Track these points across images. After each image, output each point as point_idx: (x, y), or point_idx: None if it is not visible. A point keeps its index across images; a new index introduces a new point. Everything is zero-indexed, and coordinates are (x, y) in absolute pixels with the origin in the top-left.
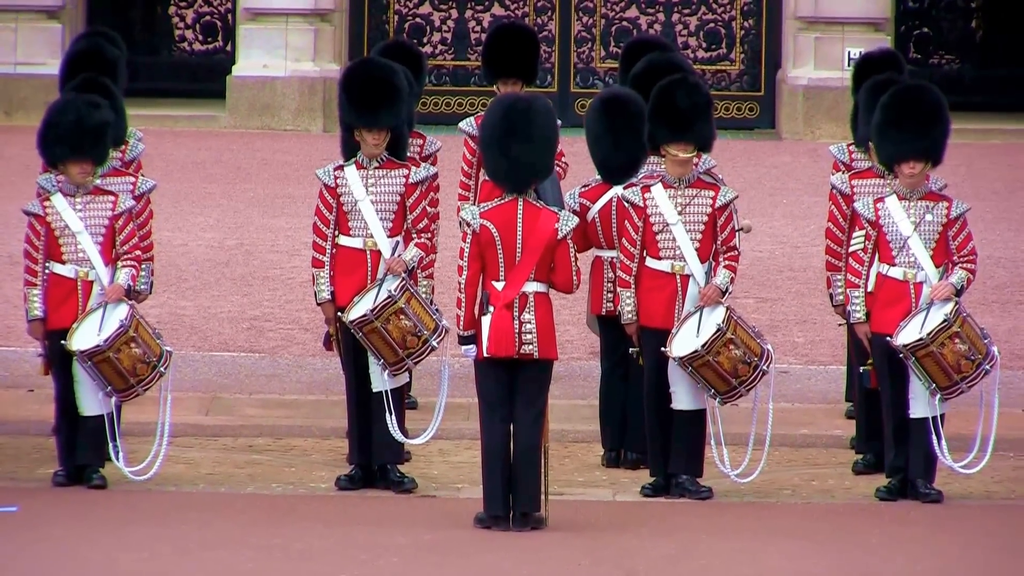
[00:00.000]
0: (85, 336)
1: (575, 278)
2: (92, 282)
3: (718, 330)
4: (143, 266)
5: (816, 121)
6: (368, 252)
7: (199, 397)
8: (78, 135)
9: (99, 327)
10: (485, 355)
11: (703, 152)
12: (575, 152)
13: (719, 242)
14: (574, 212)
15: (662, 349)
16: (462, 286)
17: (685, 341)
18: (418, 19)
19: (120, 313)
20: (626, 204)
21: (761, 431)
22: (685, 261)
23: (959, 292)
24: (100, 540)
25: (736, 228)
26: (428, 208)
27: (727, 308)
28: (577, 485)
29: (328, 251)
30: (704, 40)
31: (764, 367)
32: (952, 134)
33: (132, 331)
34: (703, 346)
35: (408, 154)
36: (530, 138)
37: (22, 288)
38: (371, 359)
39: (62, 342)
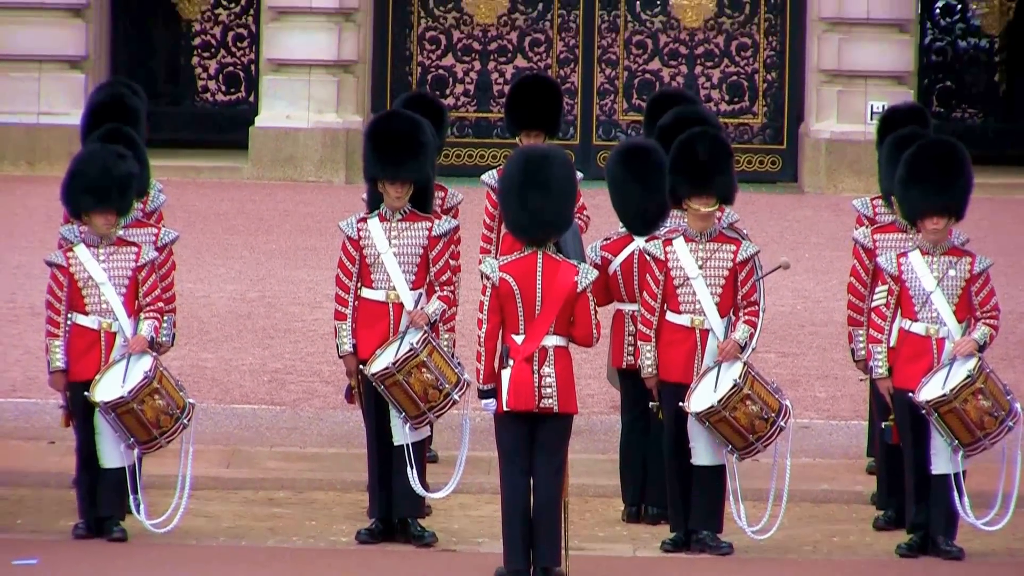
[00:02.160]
0: (108, 387)
1: (595, 331)
2: (115, 333)
3: (735, 386)
4: (165, 318)
5: (839, 175)
6: (391, 305)
7: (220, 450)
8: (104, 186)
9: (123, 378)
10: (505, 409)
11: (725, 205)
12: (597, 205)
13: (739, 297)
14: (595, 265)
15: (680, 404)
16: (481, 339)
17: (703, 396)
18: (441, 71)
19: (144, 364)
20: (647, 257)
21: (780, 486)
22: (705, 315)
23: (982, 348)
24: None
25: (766, 273)
26: (450, 261)
27: (744, 363)
28: (598, 540)
29: (351, 303)
30: (727, 93)
31: (782, 423)
32: (975, 188)
33: (156, 383)
34: (719, 401)
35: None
36: (548, 190)
37: (44, 339)
38: (393, 412)
39: (84, 393)
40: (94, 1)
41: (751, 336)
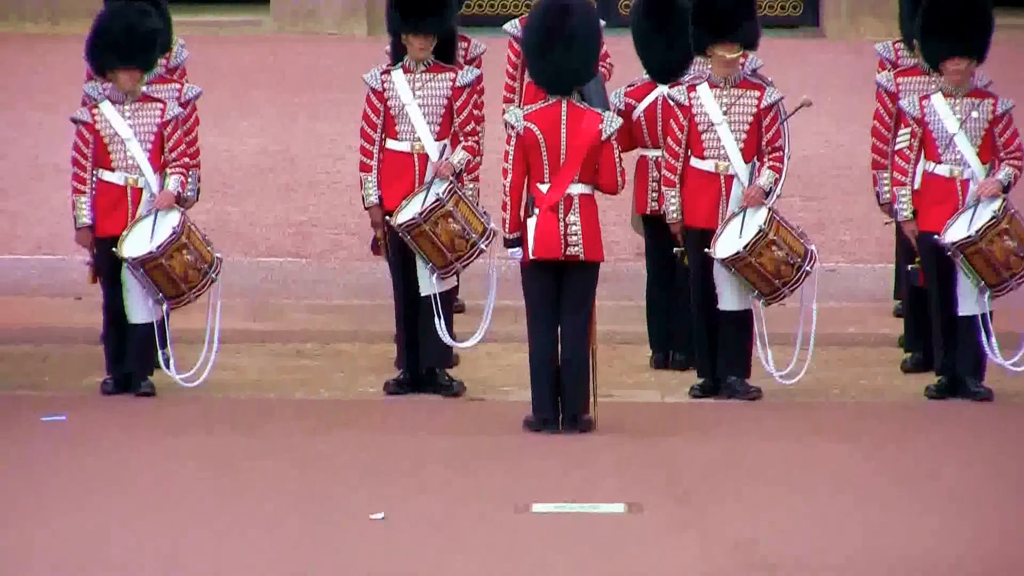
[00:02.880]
0: (137, 243)
1: (620, 179)
2: (141, 189)
3: (760, 231)
4: (190, 173)
5: (860, 18)
6: (416, 156)
7: (246, 303)
8: (128, 43)
9: (151, 234)
10: (531, 257)
11: (749, 51)
12: (619, 53)
13: (764, 143)
14: (619, 112)
15: (706, 250)
16: (507, 189)
17: (728, 242)
18: None
19: (172, 220)
20: (671, 103)
21: (807, 331)
22: (729, 161)
23: (1006, 188)
24: (148, 448)
25: (789, 113)
26: (474, 111)
27: (770, 209)
28: (625, 387)
29: (375, 155)
30: None
31: (808, 267)
32: (996, 30)
33: (184, 238)
34: (745, 247)
35: None
36: (571, 40)
37: (70, 196)
38: (419, 263)
39: (112, 249)
40: None
41: (776, 182)
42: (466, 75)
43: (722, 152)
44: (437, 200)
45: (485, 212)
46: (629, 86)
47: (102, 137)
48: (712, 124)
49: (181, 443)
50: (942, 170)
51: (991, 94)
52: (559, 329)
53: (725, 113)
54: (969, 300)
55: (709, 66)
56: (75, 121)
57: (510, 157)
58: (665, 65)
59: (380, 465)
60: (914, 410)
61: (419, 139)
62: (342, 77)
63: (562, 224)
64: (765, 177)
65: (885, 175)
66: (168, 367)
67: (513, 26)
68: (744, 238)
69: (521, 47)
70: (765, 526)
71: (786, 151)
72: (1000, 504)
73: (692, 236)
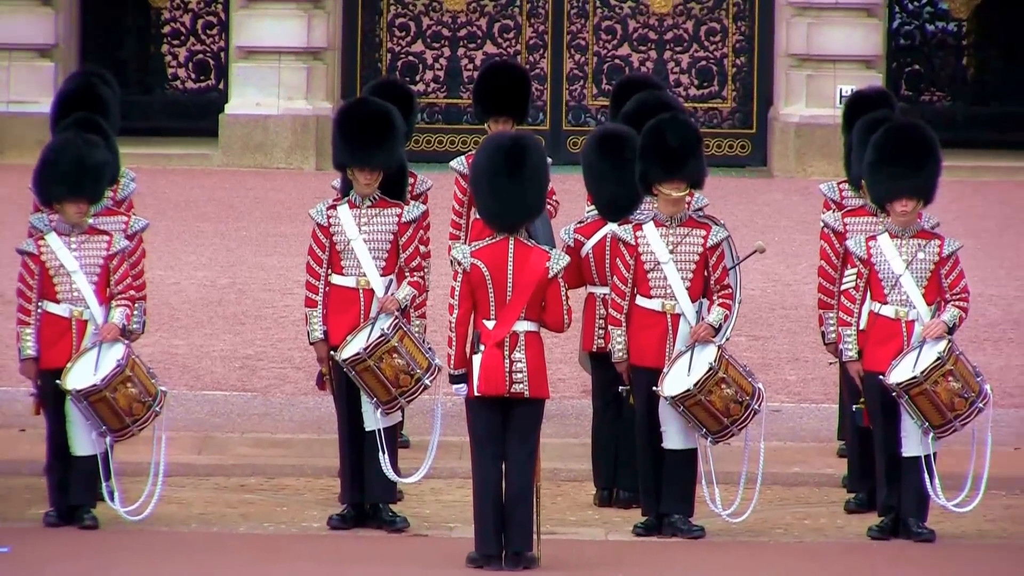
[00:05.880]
0: (81, 375)
1: (566, 317)
2: (86, 321)
3: (710, 369)
4: (136, 305)
5: (808, 158)
6: (361, 291)
7: (191, 436)
8: (77, 174)
9: (95, 367)
10: (476, 394)
11: (695, 189)
12: (567, 190)
13: (712, 281)
14: (568, 248)
15: (654, 388)
16: (453, 325)
17: (677, 380)
18: (411, 57)
19: (116, 352)
20: (618, 242)
21: (753, 470)
22: (676, 300)
23: (951, 330)
24: None
25: (742, 259)
26: (420, 247)
27: (719, 347)
28: (569, 524)
29: (321, 290)
30: (696, 77)
31: (756, 406)
32: (944, 171)
33: (129, 371)
34: (695, 385)
35: None
36: (521, 177)
37: (15, 327)
38: (364, 398)
39: (56, 381)
40: None
41: (725, 318)
42: (412, 211)
43: (669, 291)
44: (382, 335)
45: (430, 348)
46: (579, 223)
47: (48, 269)
48: (659, 263)
49: (126, 574)
50: (888, 311)
51: (938, 235)
52: (503, 465)
53: (671, 252)
54: (913, 441)
55: (655, 204)
56: (21, 252)
57: (456, 293)
58: (615, 202)
59: None
60: (857, 550)
61: (364, 274)
62: (291, 211)
63: (507, 361)
64: (714, 315)
65: (831, 315)
66: (112, 500)
67: (460, 163)
68: (693, 376)
69: (469, 183)
70: None
71: (737, 295)
72: None
73: (639, 375)
